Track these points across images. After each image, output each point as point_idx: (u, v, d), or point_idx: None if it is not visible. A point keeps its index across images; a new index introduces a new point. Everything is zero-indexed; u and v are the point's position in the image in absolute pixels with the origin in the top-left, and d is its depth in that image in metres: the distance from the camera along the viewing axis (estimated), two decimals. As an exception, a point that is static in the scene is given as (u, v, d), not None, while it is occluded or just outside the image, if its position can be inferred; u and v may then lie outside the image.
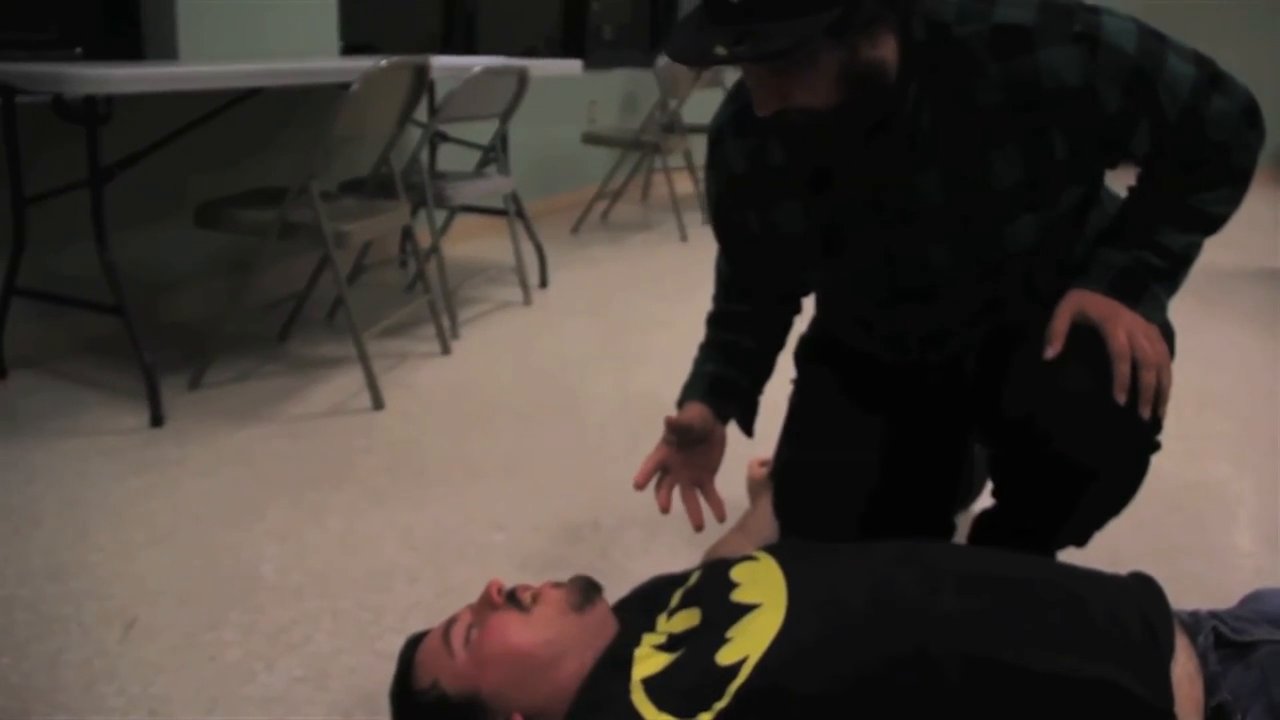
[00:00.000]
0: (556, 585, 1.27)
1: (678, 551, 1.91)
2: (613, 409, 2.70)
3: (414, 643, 1.30)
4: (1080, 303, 1.35)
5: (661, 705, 1.07)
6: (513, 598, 1.24)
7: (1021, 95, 1.28)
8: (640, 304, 3.78)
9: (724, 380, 1.61)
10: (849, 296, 1.55)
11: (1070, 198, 1.38)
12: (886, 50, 1.25)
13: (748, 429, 1.67)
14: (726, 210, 1.56)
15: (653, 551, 1.93)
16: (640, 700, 1.09)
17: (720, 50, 1.16)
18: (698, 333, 1.68)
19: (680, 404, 1.61)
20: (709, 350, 1.66)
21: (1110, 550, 1.69)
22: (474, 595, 1.35)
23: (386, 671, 1.32)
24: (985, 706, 1.01)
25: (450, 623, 1.25)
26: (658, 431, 1.52)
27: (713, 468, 1.58)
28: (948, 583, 1.11)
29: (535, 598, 1.24)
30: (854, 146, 1.34)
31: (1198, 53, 1.32)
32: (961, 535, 1.70)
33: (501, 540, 2.00)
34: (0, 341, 2.75)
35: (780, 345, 1.70)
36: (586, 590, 1.26)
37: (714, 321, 1.68)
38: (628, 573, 1.42)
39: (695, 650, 1.12)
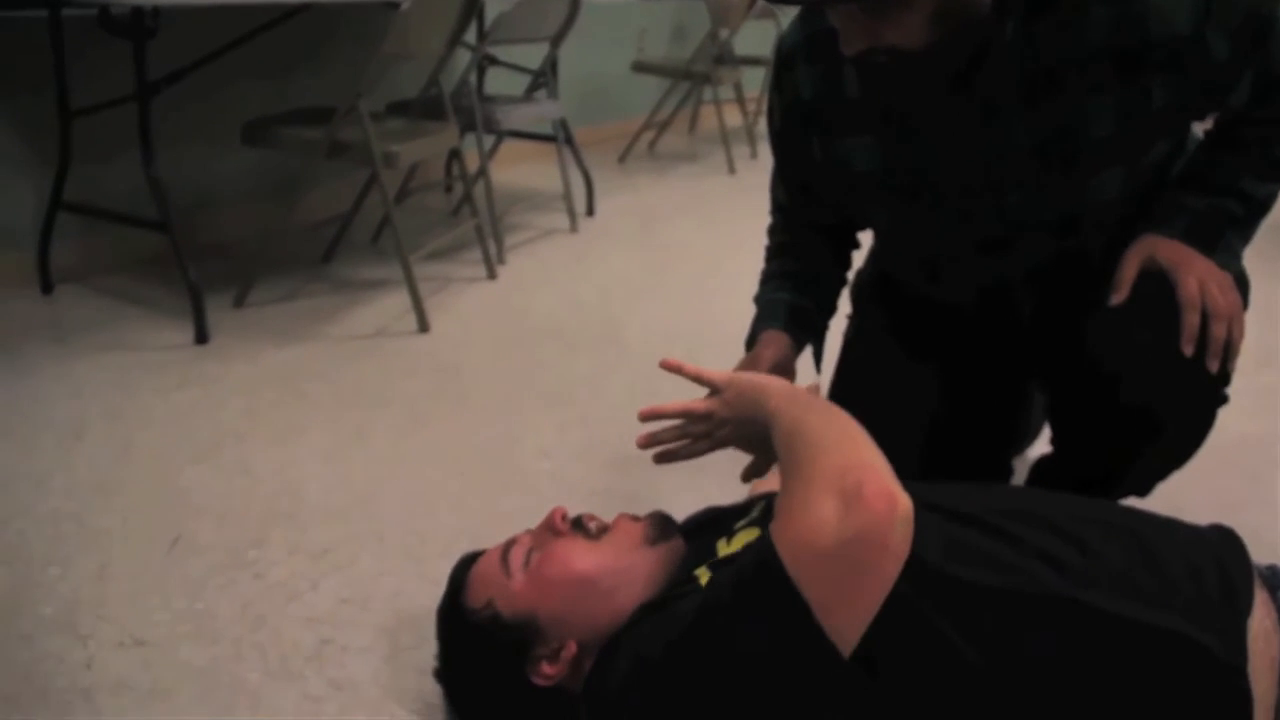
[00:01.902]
0: (634, 519, 1.24)
1: (726, 486, 1.87)
2: (657, 339, 2.66)
3: (467, 563, 1.27)
4: (1151, 248, 1.29)
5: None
6: (579, 524, 1.22)
7: (1126, 40, 1.20)
8: (687, 235, 3.72)
9: (800, 310, 1.56)
10: (916, 239, 1.48)
11: (1159, 151, 1.31)
12: None
13: (819, 361, 1.63)
14: (789, 135, 1.49)
15: (702, 487, 1.90)
16: (702, 574, 1.09)
17: None
18: (743, 265, 1.63)
19: (753, 335, 1.56)
20: (778, 280, 1.60)
21: (1169, 504, 1.64)
22: (520, 523, 1.34)
23: (431, 596, 1.31)
24: (1058, 641, 0.98)
25: (509, 544, 1.22)
26: (702, 362, 1.46)
27: None
28: (1014, 520, 1.07)
29: (606, 528, 1.22)
30: (938, 89, 1.27)
31: None
32: (1018, 481, 1.66)
33: (547, 468, 1.98)
34: (46, 256, 2.75)
35: (844, 281, 1.66)
36: (663, 525, 1.24)
37: (779, 252, 1.63)
38: (676, 506, 1.39)
39: None
